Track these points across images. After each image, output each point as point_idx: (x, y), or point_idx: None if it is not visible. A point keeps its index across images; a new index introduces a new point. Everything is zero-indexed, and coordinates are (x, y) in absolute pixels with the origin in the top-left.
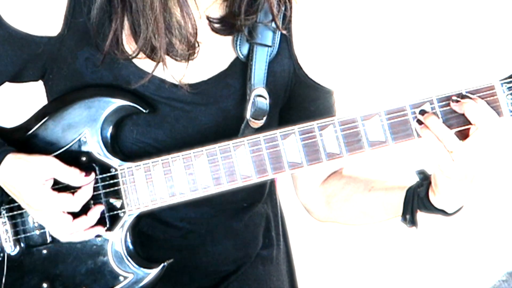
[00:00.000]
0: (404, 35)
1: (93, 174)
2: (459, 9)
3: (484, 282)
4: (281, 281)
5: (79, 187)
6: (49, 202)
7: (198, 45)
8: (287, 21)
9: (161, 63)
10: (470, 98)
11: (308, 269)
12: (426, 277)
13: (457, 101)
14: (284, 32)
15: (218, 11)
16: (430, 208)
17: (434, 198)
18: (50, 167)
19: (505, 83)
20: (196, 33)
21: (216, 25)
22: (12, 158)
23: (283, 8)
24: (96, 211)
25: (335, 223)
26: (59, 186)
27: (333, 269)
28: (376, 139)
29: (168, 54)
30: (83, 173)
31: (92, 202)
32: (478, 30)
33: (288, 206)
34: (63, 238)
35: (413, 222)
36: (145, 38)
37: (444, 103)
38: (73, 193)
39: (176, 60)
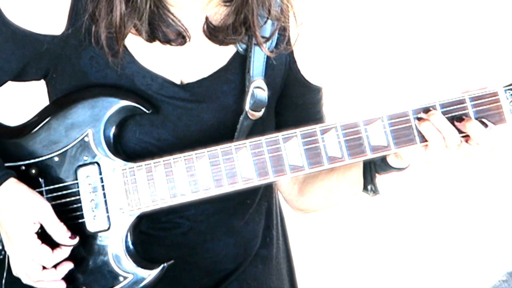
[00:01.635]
0: (408, 41)
1: (77, 239)
2: (463, 13)
3: (484, 282)
4: (281, 280)
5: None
6: (28, 246)
7: (187, 37)
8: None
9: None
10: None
11: (308, 268)
12: (426, 277)
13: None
14: (271, 55)
15: (218, 18)
16: (387, 169)
17: (396, 161)
18: (42, 213)
19: (508, 89)
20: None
21: (211, 33)
22: (12, 185)
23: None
24: (65, 268)
25: (313, 213)
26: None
27: (333, 269)
28: (378, 144)
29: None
30: (69, 234)
31: (91, 205)
32: (483, 36)
33: (288, 206)
34: (27, 281)
35: (375, 190)
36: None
37: (446, 109)
38: (52, 248)
39: (162, 43)
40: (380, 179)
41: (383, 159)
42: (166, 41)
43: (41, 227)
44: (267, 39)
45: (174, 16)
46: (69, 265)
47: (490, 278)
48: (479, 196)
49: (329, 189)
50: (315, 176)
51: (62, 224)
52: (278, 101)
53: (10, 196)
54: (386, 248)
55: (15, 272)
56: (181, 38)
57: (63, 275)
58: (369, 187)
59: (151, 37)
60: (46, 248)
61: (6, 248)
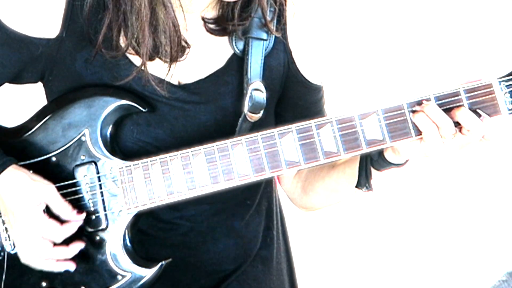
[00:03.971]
0: (402, 34)
1: (83, 215)
2: (457, 6)
3: (484, 282)
4: (281, 281)
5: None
6: (37, 223)
7: (188, 47)
8: (282, 22)
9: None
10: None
11: (308, 268)
12: (426, 277)
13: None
14: (278, 35)
15: (212, 12)
16: (385, 165)
17: (393, 156)
18: (47, 194)
19: (503, 81)
20: (179, 37)
21: (211, 26)
22: (14, 170)
23: (277, 10)
24: (77, 246)
25: (317, 210)
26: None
27: (333, 269)
28: (373, 138)
29: (156, 55)
30: (75, 211)
31: (89, 204)
32: (476, 28)
33: (288, 206)
34: (36, 263)
35: (368, 186)
36: (132, 37)
37: (441, 101)
38: (61, 223)
39: (164, 61)
40: (380, 175)
41: (381, 154)
42: (170, 59)
43: (47, 211)
44: (270, 21)
45: (176, 30)
46: (80, 244)
47: (490, 278)
48: (479, 196)
49: (330, 187)
50: (316, 174)
51: (67, 203)
52: (279, 102)
53: (13, 181)
54: (386, 248)
55: (25, 259)
56: (182, 52)
57: (74, 253)
58: (362, 183)
59: (152, 57)
60: (54, 222)
61: (13, 234)
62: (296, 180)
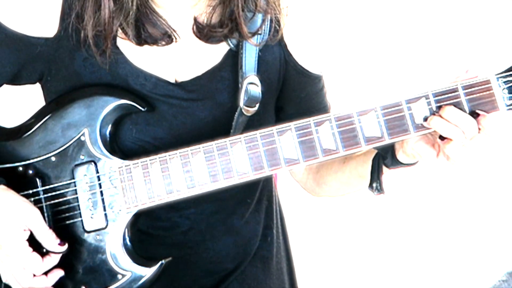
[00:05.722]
0: (399, 30)
1: (65, 246)
2: (454, 2)
3: (484, 282)
4: (281, 280)
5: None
6: (19, 253)
7: (173, 39)
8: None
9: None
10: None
11: (308, 268)
12: (426, 277)
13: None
14: (258, 46)
15: (204, 15)
16: (397, 164)
17: (406, 158)
18: (32, 220)
19: (501, 77)
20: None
21: (200, 32)
22: (1, 192)
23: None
24: (55, 275)
25: (330, 197)
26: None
27: (333, 269)
28: (372, 135)
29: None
30: (58, 240)
31: (89, 204)
32: (474, 24)
33: (288, 205)
34: (13, 285)
35: (379, 189)
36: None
37: (439, 97)
38: (42, 255)
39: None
40: (385, 176)
41: (393, 156)
42: (153, 42)
43: (31, 234)
44: (255, 33)
45: (159, 16)
46: (60, 273)
47: (490, 278)
48: (479, 196)
49: (342, 180)
50: (328, 168)
51: (51, 231)
52: (281, 97)
53: (1, 201)
54: (386, 248)
55: (5, 279)
56: (167, 37)
57: (53, 282)
58: (374, 184)
59: (139, 40)
60: (36, 256)
61: None
62: (307, 172)
